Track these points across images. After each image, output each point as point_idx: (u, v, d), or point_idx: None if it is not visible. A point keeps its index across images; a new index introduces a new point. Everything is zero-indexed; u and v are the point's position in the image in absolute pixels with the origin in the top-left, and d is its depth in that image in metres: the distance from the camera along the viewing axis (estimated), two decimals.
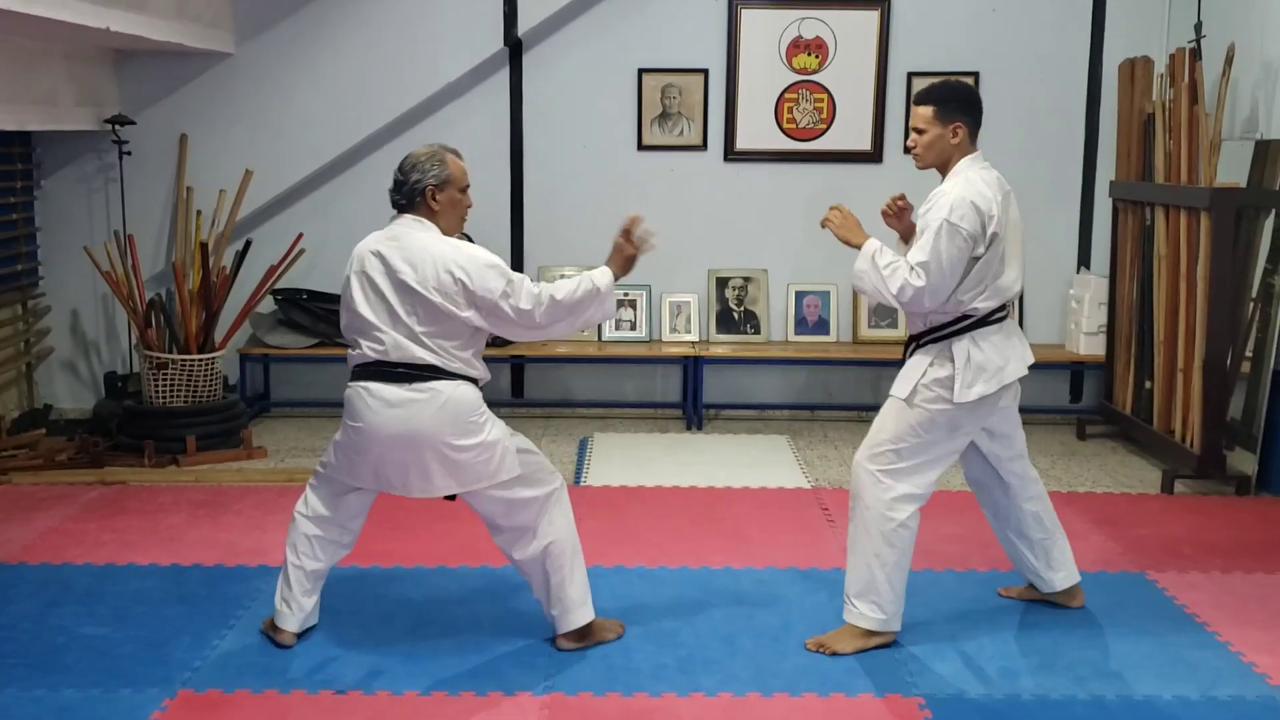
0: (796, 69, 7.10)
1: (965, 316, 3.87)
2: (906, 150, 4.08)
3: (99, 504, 5.42)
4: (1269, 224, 5.81)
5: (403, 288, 3.65)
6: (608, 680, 3.72)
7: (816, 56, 7.09)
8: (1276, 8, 5.93)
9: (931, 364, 3.89)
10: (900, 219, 4.14)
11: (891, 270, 3.80)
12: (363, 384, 3.71)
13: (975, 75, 7.06)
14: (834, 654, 3.91)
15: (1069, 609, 4.27)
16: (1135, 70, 6.49)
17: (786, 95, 7.12)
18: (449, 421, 3.65)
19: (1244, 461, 5.80)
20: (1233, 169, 6.00)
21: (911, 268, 3.77)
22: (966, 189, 3.80)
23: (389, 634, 4.06)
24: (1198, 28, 6.18)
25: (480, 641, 4.00)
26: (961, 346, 3.87)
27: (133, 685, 3.67)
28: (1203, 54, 6.03)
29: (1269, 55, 5.93)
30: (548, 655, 3.90)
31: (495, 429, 3.75)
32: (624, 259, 3.93)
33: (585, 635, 3.94)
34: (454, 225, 3.84)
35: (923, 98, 3.94)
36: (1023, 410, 7.14)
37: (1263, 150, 5.89)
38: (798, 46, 7.08)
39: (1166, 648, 3.98)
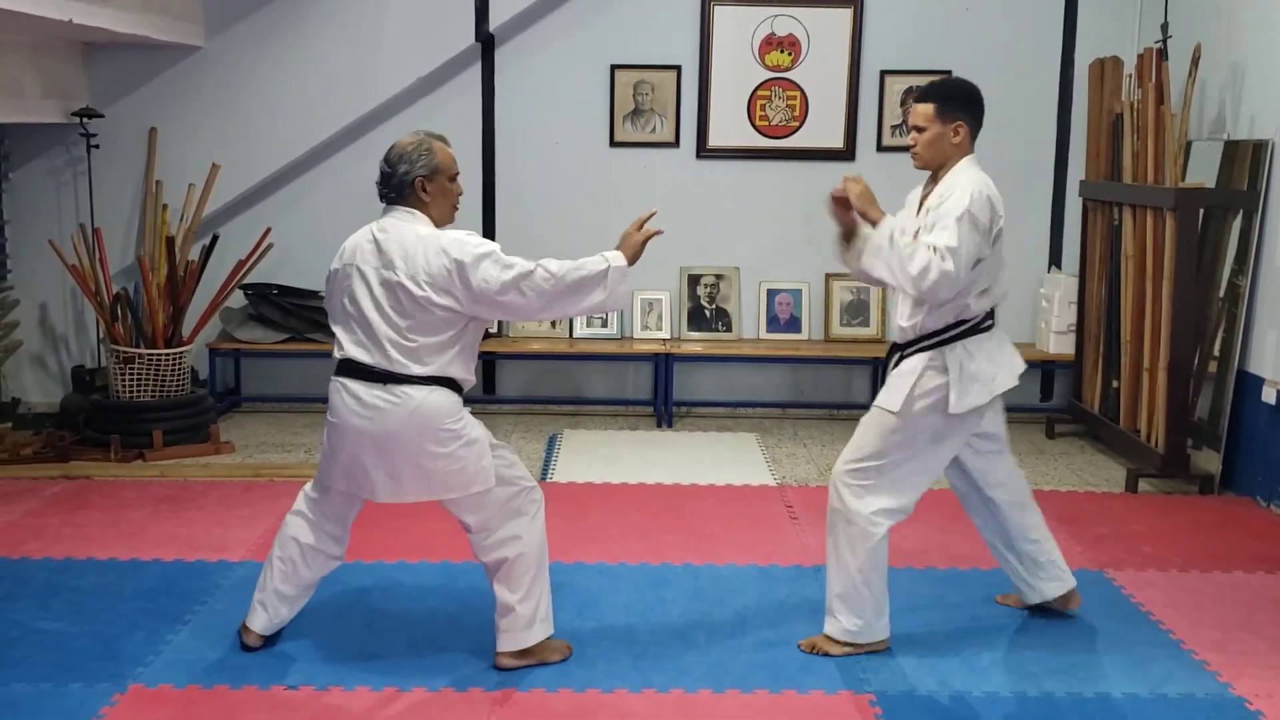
0: (769, 66, 7.10)
1: (960, 321, 3.76)
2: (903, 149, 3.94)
3: (62, 498, 5.40)
4: (1236, 224, 5.82)
5: (390, 284, 3.50)
6: (560, 676, 3.72)
7: (789, 54, 7.09)
8: (1243, 9, 5.94)
9: (923, 374, 3.76)
10: (847, 209, 3.80)
11: (912, 252, 3.60)
12: (341, 379, 3.62)
13: (947, 74, 7.05)
14: (825, 654, 3.88)
15: (1012, 607, 4.29)
16: (1104, 70, 6.51)
17: (759, 92, 7.12)
18: (420, 428, 3.53)
19: (1209, 461, 5.82)
20: (1204, 170, 6.01)
21: (937, 251, 3.57)
22: (980, 183, 3.69)
23: (344, 630, 4.05)
24: (1164, 28, 6.20)
25: (435, 637, 4.00)
26: (955, 355, 3.76)
27: (84, 680, 3.65)
28: (1170, 55, 6.05)
29: (1236, 56, 5.94)
30: None
31: (471, 438, 3.60)
32: (633, 245, 3.69)
33: (528, 654, 3.79)
34: (445, 215, 3.69)
35: (924, 94, 3.82)
36: None
37: (1230, 151, 5.90)
38: (770, 43, 7.08)
39: (1119, 646, 4.00)
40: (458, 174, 3.71)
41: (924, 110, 3.79)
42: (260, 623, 3.87)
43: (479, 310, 3.58)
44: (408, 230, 3.57)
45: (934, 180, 3.87)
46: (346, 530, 3.88)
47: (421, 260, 3.51)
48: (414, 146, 3.61)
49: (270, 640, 3.92)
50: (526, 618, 3.75)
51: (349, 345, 3.61)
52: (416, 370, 3.55)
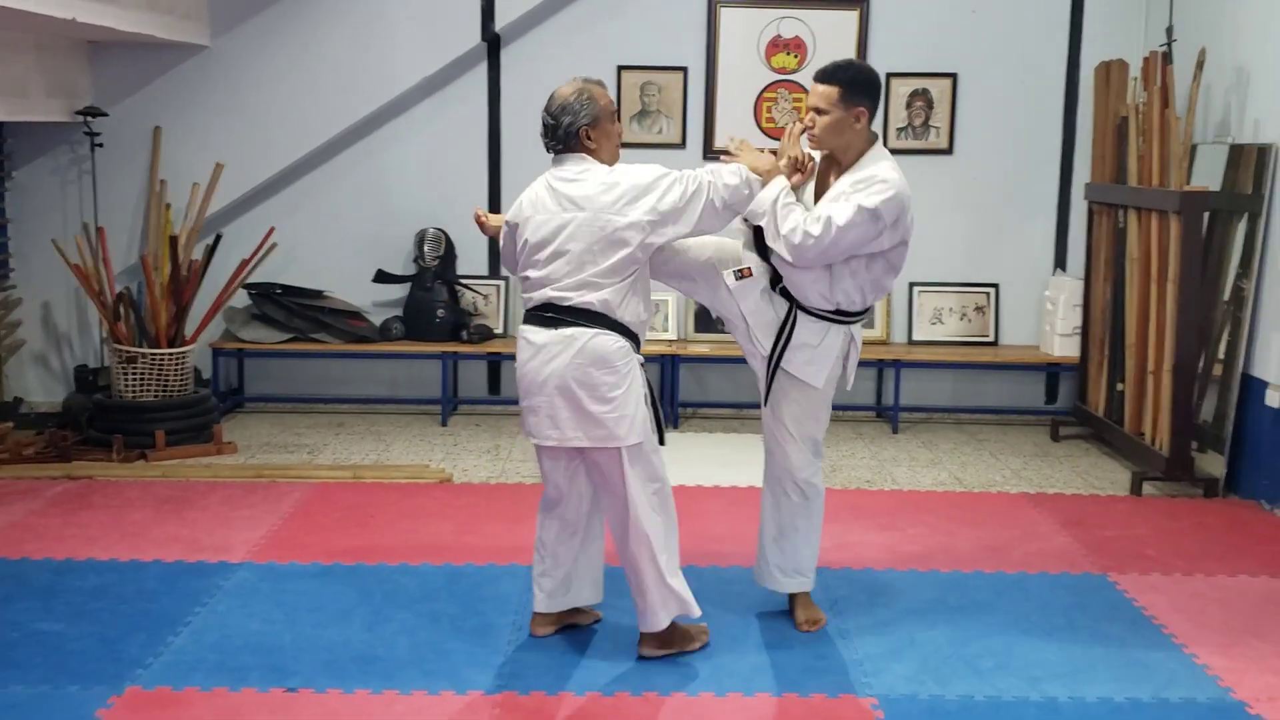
0: (775, 68, 7.09)
1: (869, 307, 3.97)
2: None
3: (64, 498, 5.39)
4: (1241, 228, 5.81)
5: (577, 224, 3.63)
6: (561, 680, 3.70)
7: (795, 56, 7.08)
8: (1247, 12, 5.92)
9: (842, 349, 3.95)
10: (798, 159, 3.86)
11: (788, 211, 3.72)
12: (522, 326, 3.79)
13: (953, 76, 7.06)
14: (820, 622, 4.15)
15: (1024, 610, 4.27)
16: (1110, 73, 6.49)
17: (765, 94, 7.11)
18: (584, 367, 3.65)
19: (1214, 465, 5.80)
20: (1209, 173, 5.99)
21: (820, 219, 3.67)
22: (903, 183, 3.74)
23: (345, 631, 4.03)
24: (1169, 31, 6.18)
25: (437, 640, 3.98)
26: (859, 334, 4.02)
27: (81, 682, 3.64)
28: (1175, 58, 6.03)
29: (1241, 59, 5.92)
30: (503, 654, 3.88)
31: (633, 388, 3.70)
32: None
33: (668, 641, 3.87)
34: (612, 156, 3.79)
35: (827, 76, 3.79)
36: (998, 411, 7.26)
37: (1236, 154, 5.88)
38: (777, 45, 7.07)
39: (1122, 650, 3.98)
40: (616, 110, 3.84)
41: (827, 93, 3.77)
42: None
43: (690, 219, 3.76)
44: (588, 173, 3.69)
45: (836, 162, 3.87)
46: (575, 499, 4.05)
47: (609, 198, 3.65)
48: (574, 95, 3.71)
49: (266, 639, 3.93)
50: (656, 600, 3.84)
51: (530, 292, 3.75)
52: (591, 304, 3.69)
